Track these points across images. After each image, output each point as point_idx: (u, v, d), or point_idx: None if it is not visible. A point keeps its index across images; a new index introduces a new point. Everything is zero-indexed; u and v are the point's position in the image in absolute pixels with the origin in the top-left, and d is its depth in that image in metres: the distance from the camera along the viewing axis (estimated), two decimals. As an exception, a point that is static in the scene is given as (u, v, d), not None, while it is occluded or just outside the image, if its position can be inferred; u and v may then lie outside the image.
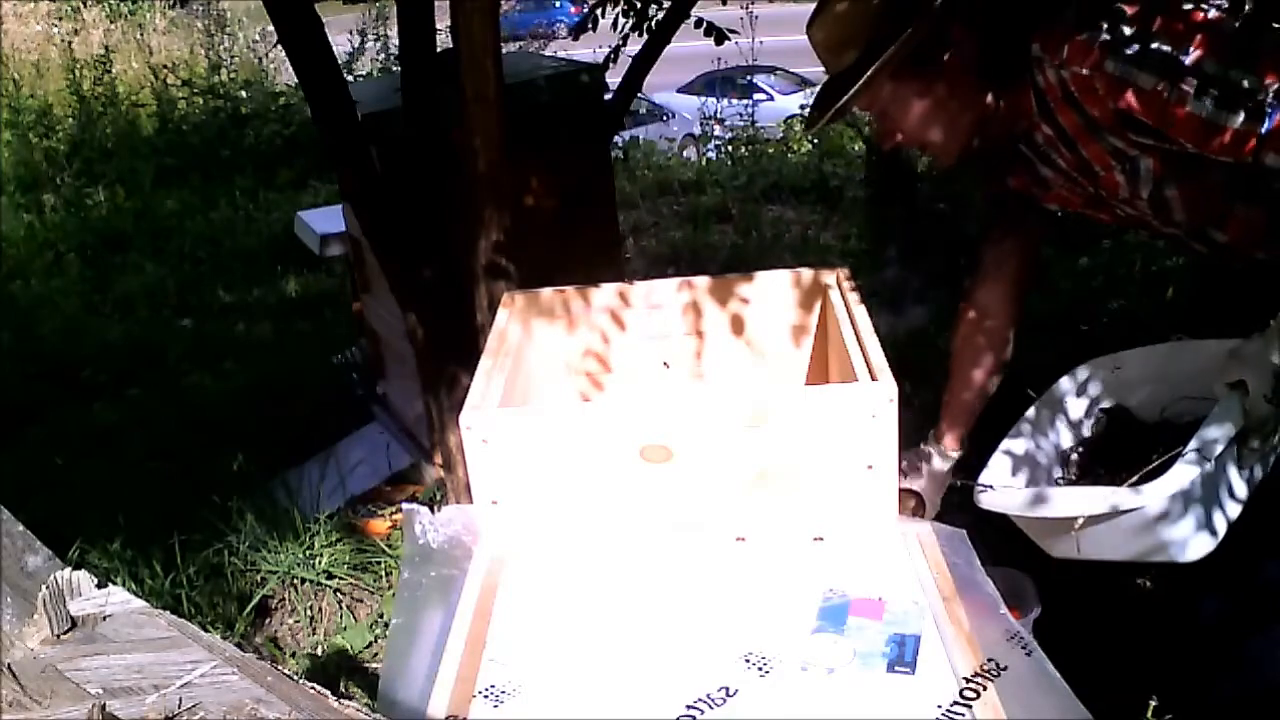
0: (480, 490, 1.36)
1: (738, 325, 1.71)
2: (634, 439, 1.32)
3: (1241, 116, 1.20)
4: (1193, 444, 1.28)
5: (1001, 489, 1.53)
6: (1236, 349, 1.33)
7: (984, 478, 1.56)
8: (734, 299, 1.69)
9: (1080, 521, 1.35)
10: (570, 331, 1.71)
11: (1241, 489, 1.31)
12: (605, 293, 1.70)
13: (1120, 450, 1.52)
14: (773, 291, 1.69)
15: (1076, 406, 1.62)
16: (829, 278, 1.65)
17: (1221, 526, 1.30)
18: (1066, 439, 1.62)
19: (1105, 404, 1.62)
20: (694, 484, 1.34)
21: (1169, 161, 1.34)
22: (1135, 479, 1.34)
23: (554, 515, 1.37)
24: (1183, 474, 1.27)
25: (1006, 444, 1.61)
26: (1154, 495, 1.28)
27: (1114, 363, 1.60)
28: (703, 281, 1.69)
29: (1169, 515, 1.29)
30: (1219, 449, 1.27)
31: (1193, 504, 1.28)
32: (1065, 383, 1.63)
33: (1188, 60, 1.21)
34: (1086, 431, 1.62)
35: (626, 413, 1.34)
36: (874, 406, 1.29)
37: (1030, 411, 1.62)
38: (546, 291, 1.70)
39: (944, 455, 1.69)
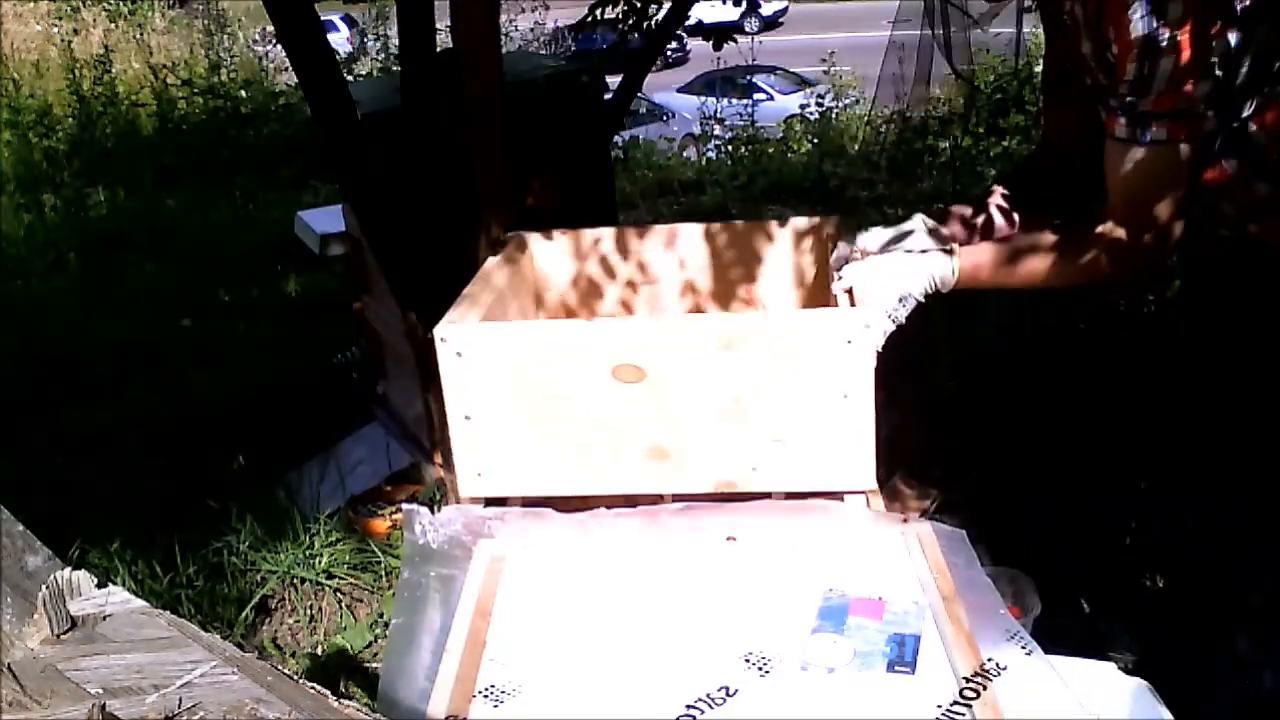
0: (454, 405, 1.36)
1: (734, 270, 1.70)
2: (607, 357, 1.31)
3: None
4: None
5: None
6: None
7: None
8: (729, 246, 1.68)
9: None
10: (560, 270, 1.71)
11: None
12: (600, 236, 1.70)
13: None
14: (770, 239, 1.68)
15: None
16: (826, 226, 1.65)
17: None
18: None
19: None
20: (668, 406, 1.33)
21: None
22: None
23: (527, 435, 1.36)
24: None
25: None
26: None
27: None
28: (698, 228, 1.69)
29: None
30: None
31: None
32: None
33: None
34: None
35: (599, 330, 1.33)
36: (849, 332, 1.27)
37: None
38: (540, 233, 1.70)
39: (933, 232, 1.59)
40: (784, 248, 1.67)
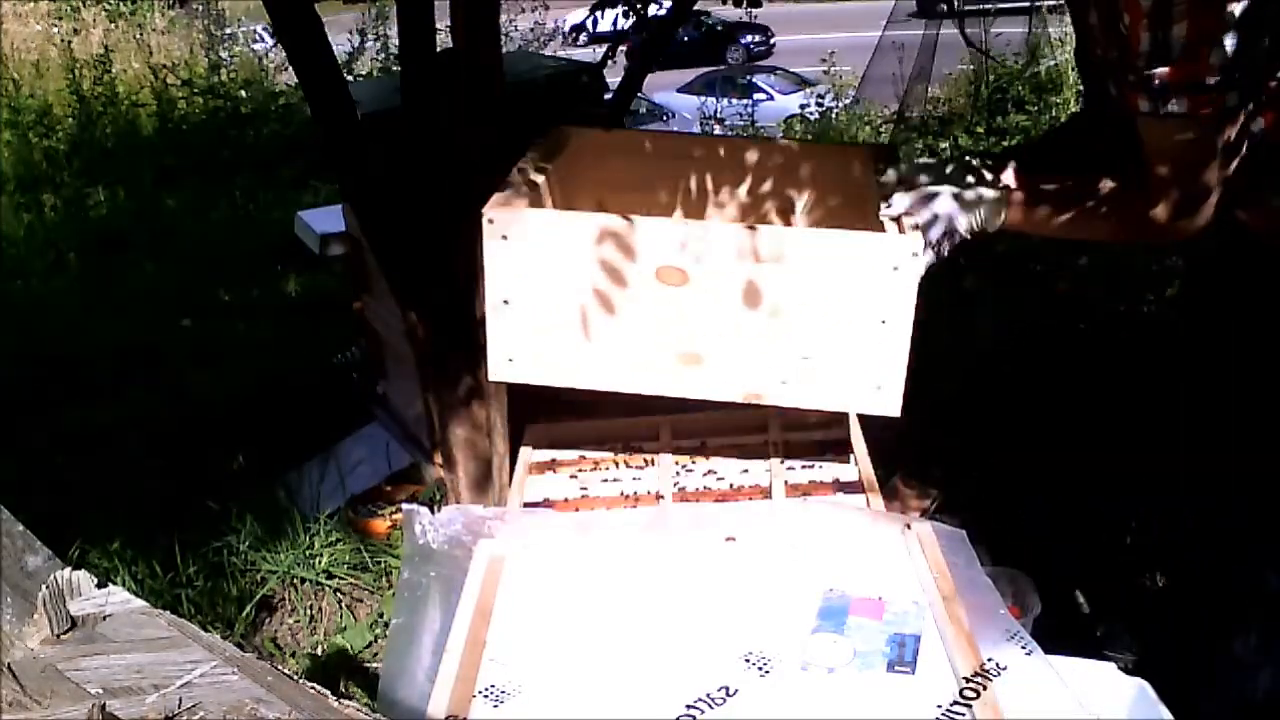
0: (493, 289, 1.36)
1: (778, 186, 1.67)
2: (653, 257, 1.31)
3: None
4: None
5: None
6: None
7: None
8: (775, 162, 1.65)
9: None
10: (603, 169, 1.68)
11: None
12: (643, 139, 1.67)
13: None
14: (819, 160, 1.65)
15: None
16: (875, 152, 1.62)
17: None
18: None
19: None
20: (706, 313, 1.32)
21: None
22: None
23: (563, 326, 1.36)
24: None
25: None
26: None
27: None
28: (743, 143, 1.67)
29: None
30: None
31: None
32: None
33: None
34: None
35: (649, 229, 1.32)
36: (896, 258, 1.27)
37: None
38: (594, 131, 1.68)
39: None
40: (831, 170, 1.64)
